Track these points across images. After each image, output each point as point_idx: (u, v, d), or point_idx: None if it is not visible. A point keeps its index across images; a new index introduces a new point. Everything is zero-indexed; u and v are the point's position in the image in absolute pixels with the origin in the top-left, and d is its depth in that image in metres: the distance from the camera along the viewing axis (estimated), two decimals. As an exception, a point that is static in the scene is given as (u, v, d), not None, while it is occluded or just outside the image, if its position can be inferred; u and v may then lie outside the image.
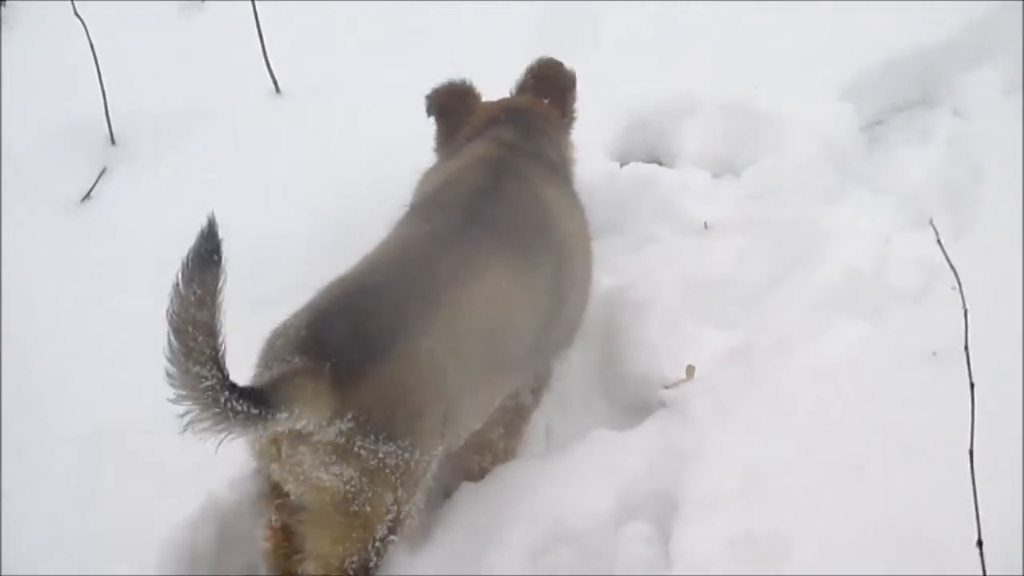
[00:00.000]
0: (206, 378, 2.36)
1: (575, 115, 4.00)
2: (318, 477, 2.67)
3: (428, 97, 3.78)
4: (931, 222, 2.91)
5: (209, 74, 4.90)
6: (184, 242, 2.62)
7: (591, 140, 4.56)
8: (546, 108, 3.81)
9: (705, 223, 4.28)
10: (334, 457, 2.63)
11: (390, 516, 2.76)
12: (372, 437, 2.63)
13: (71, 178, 4.42)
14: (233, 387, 2.41)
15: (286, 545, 2.91)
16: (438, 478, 3.12)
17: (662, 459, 3.34)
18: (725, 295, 3.94)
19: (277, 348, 2.71)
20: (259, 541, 2.98)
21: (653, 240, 4.24)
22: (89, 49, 4.44)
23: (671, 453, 3.34)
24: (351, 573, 2.76)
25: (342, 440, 2.61)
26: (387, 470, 2.67)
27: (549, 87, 3.86)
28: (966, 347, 2.65)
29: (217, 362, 2.38)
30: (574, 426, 3.62)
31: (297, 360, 2.62)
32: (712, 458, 3.28)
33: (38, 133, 4.57)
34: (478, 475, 3.40)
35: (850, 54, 4.99)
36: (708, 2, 5.20)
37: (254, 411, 2.42)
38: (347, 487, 2.66)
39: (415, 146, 3.87)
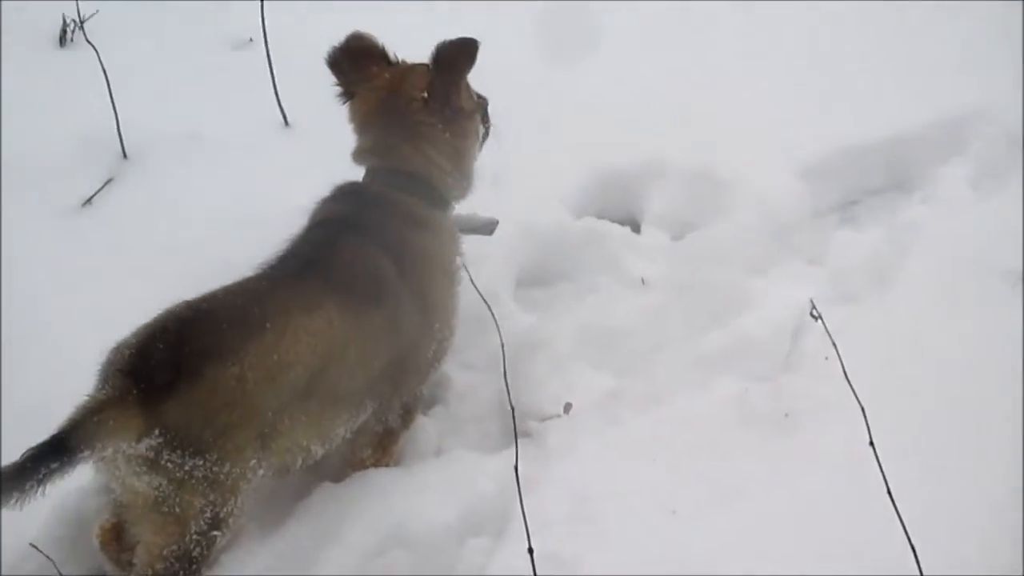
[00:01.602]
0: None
1: (462, 106, 3.77)
2: (132, 483, 3.01)
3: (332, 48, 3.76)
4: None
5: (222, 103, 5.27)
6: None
7: (552, 194, 4.93)
8: (416, 119, 3.68)
9: (642, 279, 4.57)
10: (144, 468, 2.97)
11: (206, 516, 3.07)
12: (179, 452, 2.95)
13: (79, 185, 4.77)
14: (24, 467, 2.74)
15: (115, 543, 3.30)
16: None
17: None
18: (624, 346, 4.21)
19: (109, 364, 3.02)
20: (93, 539, 3.36)
21: (595, 290, 4.54)
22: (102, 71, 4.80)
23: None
24: (172, 559, 3.09)
25: (151, 454, 2.94)
26: (194, 480, 2.99)
27: (441, 74, 3.66)
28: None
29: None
30: (463, 449, 3.89)
31: (105, 390, 2.93)
32: (551, 486, 3.55)
33: (50, 144, 4.90)
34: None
35: (822, 135, 5.24)
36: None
37: (54, 465, 2.75)
38: (157, 492, 3.00)
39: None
